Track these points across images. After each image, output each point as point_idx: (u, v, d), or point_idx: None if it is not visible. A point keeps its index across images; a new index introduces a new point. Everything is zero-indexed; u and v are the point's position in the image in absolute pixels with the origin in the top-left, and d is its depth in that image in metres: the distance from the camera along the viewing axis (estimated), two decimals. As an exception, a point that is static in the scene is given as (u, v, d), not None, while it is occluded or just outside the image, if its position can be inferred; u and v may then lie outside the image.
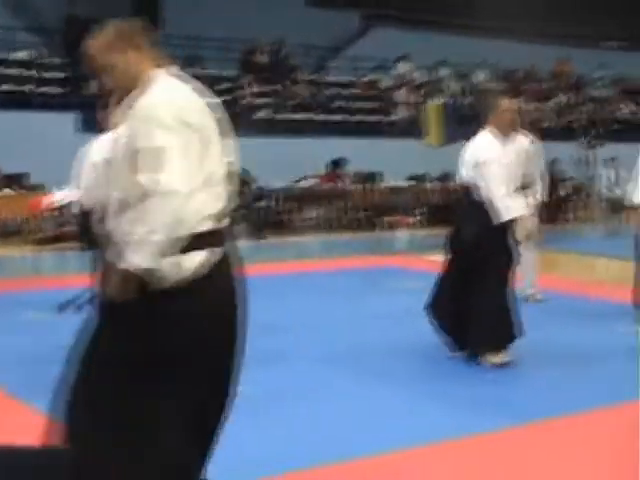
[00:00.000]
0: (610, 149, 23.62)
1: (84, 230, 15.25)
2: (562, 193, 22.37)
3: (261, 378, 7.00)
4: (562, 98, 28.75)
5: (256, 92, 22.82)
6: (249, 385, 6.68)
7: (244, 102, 22.10)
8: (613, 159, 22.89)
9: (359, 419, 6.06)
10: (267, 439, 5.61)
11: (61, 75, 20.70)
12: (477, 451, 5.48)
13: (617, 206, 22.80)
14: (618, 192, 22.81)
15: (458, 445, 5.54)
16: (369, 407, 6.37)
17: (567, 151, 24.41)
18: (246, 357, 7.63)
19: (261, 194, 19.17)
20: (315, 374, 7.26)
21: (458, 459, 5.33)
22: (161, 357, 3.48)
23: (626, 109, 29.29)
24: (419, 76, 26.43)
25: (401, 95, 24.91)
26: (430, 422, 5.98)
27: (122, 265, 3.34)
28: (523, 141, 10.12)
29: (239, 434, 5.35)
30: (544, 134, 25.15)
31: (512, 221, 7.47)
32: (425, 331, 8.22)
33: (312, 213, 20.96)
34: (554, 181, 21.87)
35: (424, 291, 11.40)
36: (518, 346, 8.08)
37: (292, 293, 11.41)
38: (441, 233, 16.20)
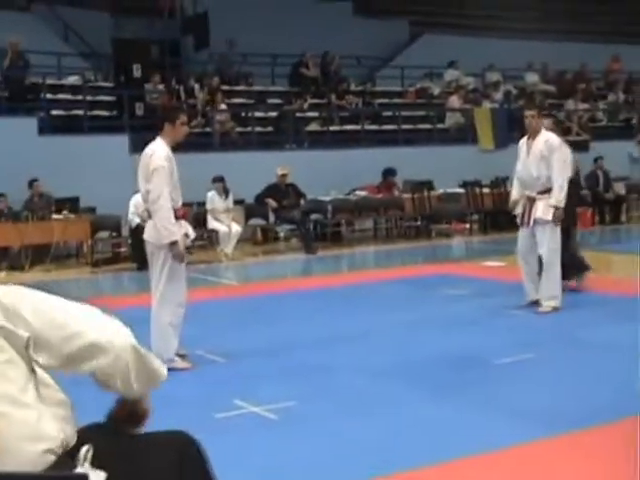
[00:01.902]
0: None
1: (137, 249, 15.47)
2: (615, 193, 22.05)
3: (312, 392, 7.01)
4: (614, 97, 28.45)
5: (306, 105, 22.86)
6: (299, 400, 6.72)
7: (294, 116, 22.14)
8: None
9: (402, 431, 6.03)
10: (320, 453, 5.60)
11: (111, 98, 20.90)
12: (526, 461, 5.41)
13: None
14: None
15: (506, 455, 5.47)
16: (411, 418, 6.33)
17: (622, 150, 24.15)
18: (298, 371, 7.70)
19: (314, 207, 19.15)
20: (365, 387, 7.23)
21: (506, 469, 5.28)
22: None
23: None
24: (469, 82, 26.33)
25: (451, 102, 24.81)
26: (473, 433, 5.92)
27: None
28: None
29: (296, 448, 5.36)
30: (597, 134, 25.15)
31: None
32: (476, 338, 8.16)
33: (366, 224, 20.95)
34: (605, 180, 21.69)
35: (479, 297, 11.42)
36: (571, 346, 8.00)
37: (347, 305, 11.38)
38: (495, 239, 16.24)
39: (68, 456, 2.76)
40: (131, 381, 2.87)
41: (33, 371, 2.80)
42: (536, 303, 10.39)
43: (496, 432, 5.90)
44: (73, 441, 2.82)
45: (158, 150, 7.98)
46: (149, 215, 8.18)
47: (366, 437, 5.89)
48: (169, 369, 7.65)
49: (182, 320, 8.10)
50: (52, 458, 2.73)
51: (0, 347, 2.72)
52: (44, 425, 2.74)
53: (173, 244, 7.94)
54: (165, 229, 7.90)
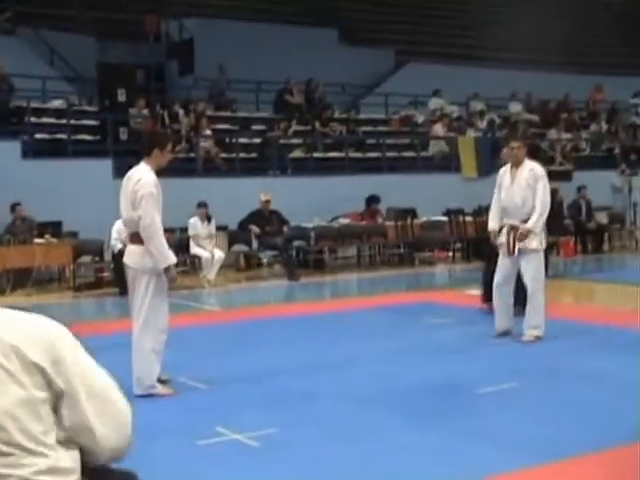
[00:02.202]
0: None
1: (119, 274, 15.42)
2: (598, 223, 22.13)
3: (294, 419, 6.98)
4: (597, 126, 28.60)
5: (290, 132, 22.90)
6: (281, 427, 6.68)
7: (278, 142, 22.16)
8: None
9: (384, 460, 5.98)
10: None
11: (95, 122, 20.87)
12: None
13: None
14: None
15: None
16: (394, 447, 6.26)
17: (605, 180, 24.25)
18: (280, 397, 7.67)
19: (297, 234, 19.15)
20: (348, 415, 7.17)
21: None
22: None
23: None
24: (453, 110, 26.45)
25: (435, 130, 24.90)
26: (455, 462, 5.88)
27: None
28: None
29: (277, 476, 5.32)
30: (580, 163, 25.27)
31: None
32: (460, 366, 8.14)
33: (349, 251, 20.95)
34: (588, 210, 21.77)
35: (461, 325, 11.41)
36: (554, 376, 8.00)
37: (330, 333, 11.34)
38: (478, 267, 16.23)
39: None
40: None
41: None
42: (506, 334, 10.42)
43: (479, 461, 5.86)
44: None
45: (145, 176, 7.94)
46: (131, 240, 8.15)
47: (349, 465, 5.86)
48: (150, 395, 7.70)
49: (164, 346, 8.04)
50: None
51: (41, 385, 2.68)
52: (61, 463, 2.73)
53: (168, 269, 7.92)
54: (160, 254, 7.88)
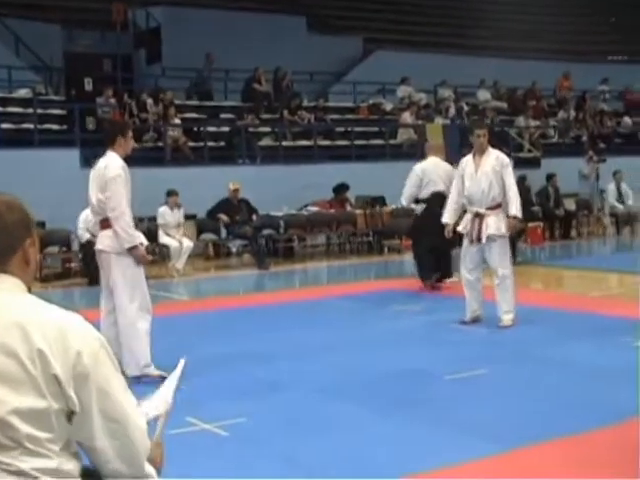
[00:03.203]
0: (613, 163, 23.54)
1: (87, 265, 15.32)
2: (565, 209, 22.23)
3: (263, 409, 6.97)
4: (565, 114, 28.71)
5: (258, 120, 22.84)
6: (250, 417, 6.68)
7: (247, 131, 22.09)
8: (616, 173, 22.81)
9: (353, 448, 6.00)
10: (270, 470, 5.57)
11: (62, 112, 20.73)
12: (478, 476, 5.41)
13: (622, 220, 22.73)
14: (622, 206, 22.72)
15: (457, 471, 5.47)
16: (363, 435, 6.30)
17: (572, 166, 24.35)
18: (249, 387, 7.66)
19: (266, 222, 19.11)
20: (316, 404, 7.19)
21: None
22: None
23: (629, 122, 29.24)
24: (421, 98, 26.45)
25: (404, 118, 24.90)
26: (424, 450, 5.92)
27: None
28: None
29: (247, 465, 5.31)
30: (548, 150, 25.39)
31: None
32: (428, 353, 8.15)
33: (318, 239, 20.94)
34: (556, 197, 21.88)
35: (430, 313, 11.45)
36: (523, 362, 8.05)
37: (299, 322, 11.35)
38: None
39: None
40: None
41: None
42: (477, 320, 10.49)
43: (447, 448, 5.89)
44: None
45: (113, 161, 8.03)
46: (101, 226, 8.20)
47: (316, 453, 5.87)
48: (143, 376, 7.70)
49: (150, 326, 8.15)
50: None
51: (59, 397, 2.64)
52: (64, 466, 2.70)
53: (134, 248, 8.01)
54: (126, 233, 7.97)
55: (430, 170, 13.84)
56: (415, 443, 6.06)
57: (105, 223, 8.15)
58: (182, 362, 3.35)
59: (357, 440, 6.17)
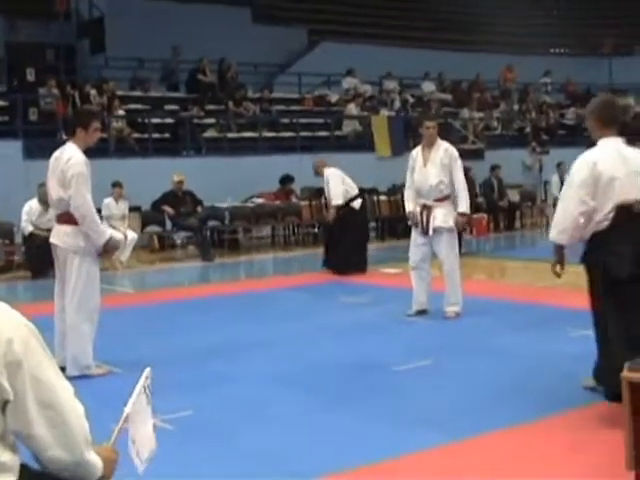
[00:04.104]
0: (557, 154, 23.75)
1: (31, 257, 15.15)
2: (509, 201, 22.42)
3: (210, 402, 6.94)
4: (509, 106, 28.92)
5: (202, 112, 22.73)
6: (197, 409, 6.64)
7: (191, 122, 21.97)
8: (559, 164, 23.01)
9: (302, 440, 6.01)
10: (217, 463, 5.55)
11: (3, 103, 20.45)
12: (425, 468, 5.43)
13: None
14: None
15: (404, 462, 5.48)
16: (311, 427, 6.30)
17: (516, 158, 24.55)
18: (196, 380, 7.63)
19: (211, 214, 19.05)
20: (264, 396, 7.16)
21: (405, 477, 5.28)
22: None
23: (572, 114, 29.51)
24: (366, 89, 26.49)
25: (349, 109, 24.92)
26: (373, 441, 5.92)
27: None
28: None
29: (177, 460, 5.27)
30: (492, 142, 25.57)
31: None
32: (376, 345, 8.17)
33: (264, 231, 20.89)
34: (500, 188, 22.05)
35: (377, 304, 11.47)
36: (472, 351, 8.10)
37: (245, 313, 11.32)
38: (392, 245, 16.35)
39: None
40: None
41: None
42: (423, 312, 10.51)
43: (396, 439, 5.90)
44: None
45: (75, 156, 7.92)
46: (59, 220, 8.09)
47: (264, 446, 5.85)
48: (85, 376, 7.62)
49: (96, 326, 8.07)
50: None
51: None
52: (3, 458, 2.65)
53: (107, 242, 8.04)
54: (95, 232, 7.95)
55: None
56: (364, 435, 6.05)
57: (63, 218, 8.05)
58: (146, 371, 3.30)
59: (305, 432, 6.16)
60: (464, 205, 10.30)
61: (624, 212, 6.26)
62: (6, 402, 2.61)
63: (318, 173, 15.66)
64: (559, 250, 6.61)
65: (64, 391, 2.76)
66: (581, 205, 6.27)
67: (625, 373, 4.63)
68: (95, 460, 2.83)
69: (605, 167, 6.29)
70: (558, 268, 6.65)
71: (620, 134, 6.60)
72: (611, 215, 6.26)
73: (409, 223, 10.72)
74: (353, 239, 14.90)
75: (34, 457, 2.76)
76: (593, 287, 6.42)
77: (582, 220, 6.31)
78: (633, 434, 4.55)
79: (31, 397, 2.64)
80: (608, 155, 6.38)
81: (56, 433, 2.70)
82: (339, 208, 14.96)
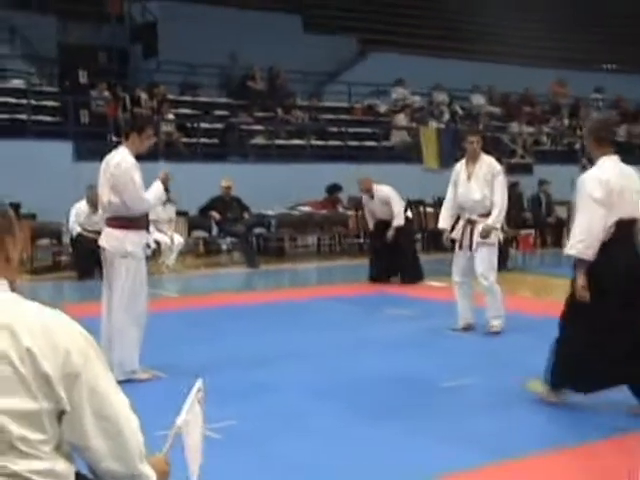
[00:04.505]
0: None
1: (78, 258, 15.24)
2: (557, 217, 22.23)
3: (253, 411, 6.93)
4: (559, 121, 28.72)
5: (252, 118, 22.79)
6: (241, 419, 6.64)
7: (240, 128, 22.04)
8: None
9: (344, 456, 5.95)
10: (264, 474, 5.56)
11: (55, 103, 20.63)
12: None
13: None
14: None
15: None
16: (354, 443, 6.25)
17: (565, 174, 24.35)
18: (239, 389, 7.61)
19: (258, 221, 19.08)
20: (306, 407, 7.15)
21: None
22: None
23: (622, 131, 29.24)
24: (415, 100, 26.42)
25: (398, 120, 24.89)
26: (416, 460, 5.86)
27: None
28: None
29: (224, 469, 5.26)
30: (541, 157, 25.37)
31: None
32: (420, 360, 8.14)
33: (309, 240, 20.90)
34: (548, 204, 21.87)
35: (422, 318, 11.41)
36: (514, 371, 8.04)
37: (289, 322, 11.32)
38: (438, 258, 16.28)
39: None
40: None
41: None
42: (470, 327, 10.44)
43: (436, 457, 5.86)
44: None
45: (126, 159, 8.03)
46: (108, 224, 8.18)
47: (306, 458, 5.84)
48: (130, 380, 7.66)
49: (143, 330, 8.12)
50: None
51: (50, 396, 2.58)
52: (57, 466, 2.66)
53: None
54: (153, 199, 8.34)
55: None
56: (404, 450, 6.03)
57: (112, 222, 8.13)
58: (198, 382, 3.30)
59: (347, 446, 6.13)
60: (492, 218, 10.19)
61: (624, 227, 6.73)
62: (62, 412, 2.62)
63: (365, 190, 15.42)
64: (583, 266, 6.72)
65: (120, 403, 2.77)
66: (602, 220, 6.62)
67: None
68: (149, 472, 2.83)
69: (615, 184, 6.70)
70: (583, 288, 6.72)
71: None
72: (612, 230, 6.67)
73: (444, 239, 10.66)
74: (406, 249, 14.95)
75: (89, 468, 2.77)
76: (572, 298, 6.85)
77: (599, 234, 6.65)
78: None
79: (88, 409, 2.65)
80: (614, 173, 6.80)
81: (111, 445, 2.71)
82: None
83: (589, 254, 6.64)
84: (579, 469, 5.65)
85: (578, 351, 6.78)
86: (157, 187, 8.23)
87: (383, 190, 15.09)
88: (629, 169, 7.02)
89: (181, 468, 3.11)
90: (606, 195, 6.61)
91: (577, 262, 6.75)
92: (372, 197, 15.20)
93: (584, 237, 6.65)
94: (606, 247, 6.65)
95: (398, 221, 14.83)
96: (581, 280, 6.70)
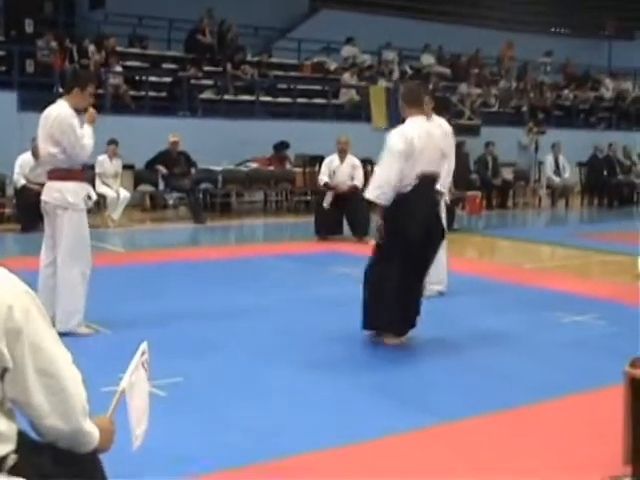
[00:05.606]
0: (552, 135, 23.71)
1: (22, 210, 15.04)
2: (503, 179, 22.37)
3: (200, 369, 6.91)
4: (507, 83, 28.82)
5: (200, 73, 22.59)
6: (187, 377, 6.61)
7: (189, 82, 21.83)
8: (554, 145, 23.04)
9: (293, 414, 5.98)
10: (191, 434, 5.51)
11: (1, 53, 20.27)
12: (405, 448, 5.42)
13: (558, 192, 22.98)
14: (558, 179, 22.97)
15: (385, 443, 5.45)
16: (298, 399, 6.28)
17: (512, 136, 24.47)
18: (185, 346, 7.58)
19: (205, 176, 18.98)
20: (254, 366, 7.12)
21: (401, 455, 5.27)
22: None
23: (569, 95, 29.44)
24: (365, 59, 26.35)
25: (347, 78, 24.81)
26: (359, 418, 5.90)
27: None
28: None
29: (167, 428, 5.24)
30: (488, 119, 25.46)
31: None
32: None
33: (256, 196, 20.85)
34: (494, 166, 21.98)
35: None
36: (459, 334, 8.11)
37: (236, 279, 11.30)
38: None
39: None
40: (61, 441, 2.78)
41: None
42: None
43: (382, 418, 5.89)
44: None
45: (63, 111, 7.95)
46: (49, 177, 8.12)
47: (253, 417, 5.83)
48: (74, 335, 7.59)
49: (87, 283, 8.08)
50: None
51: None
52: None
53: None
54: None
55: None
56: (349, 410, 6.04)
57: (52, 175, 8.07)
58: (143, 346, 3.26)
59: (294, 405, 6.14)
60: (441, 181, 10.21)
61: (425, 179, 7.67)
62: (5, 370, 2.59)
63: (341, 151, 15.92)
64: (379, 210, 7.66)
65: (63, 360, 2.75)
66: (400, 172, 7.49)
67: (627, 369, 4.61)
68: (92, 429, 2.82)
69: (418, 141, 7.58)
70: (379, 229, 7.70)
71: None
72: (415, 181, 7.58)
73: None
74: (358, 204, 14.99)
75: (31, 425, 2.74)
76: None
77: (396, 183, 7.53)
78: (632, 428, 4.53)
79: (30, 365, 2.62)
80: (419, 131, 7.67)
81: (54, 401, 2.69)
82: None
83: (384, 200, 7.57)
84: (523, 433, 5.70)
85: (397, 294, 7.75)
86: (87, 130, 8.13)
87: (354, 158, 15.81)
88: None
89: (127, 430, 3.07)
90: (408, 149, 7.50)
91: (374, 206, 7.77)
92: (342, 160, 15.32)
93: (382, 184, 7.58)
94: (408, 195, 7.59)
95: (359, 183, 15.33)
96: (378, 222, 7.69)
